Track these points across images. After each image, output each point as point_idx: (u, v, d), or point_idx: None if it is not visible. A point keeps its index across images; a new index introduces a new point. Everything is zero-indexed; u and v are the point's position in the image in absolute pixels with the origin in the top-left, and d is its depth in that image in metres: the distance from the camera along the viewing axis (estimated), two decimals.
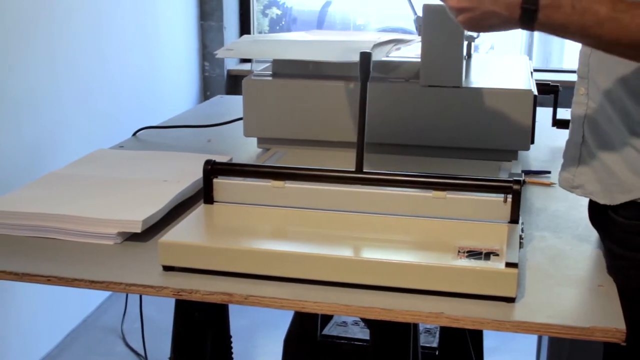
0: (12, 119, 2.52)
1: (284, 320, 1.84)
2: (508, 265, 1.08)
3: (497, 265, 1.09)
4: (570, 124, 1.28)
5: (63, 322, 2.95)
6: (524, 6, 1.06)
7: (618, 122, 1.18)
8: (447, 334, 1.90)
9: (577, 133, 1.26)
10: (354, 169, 1.31)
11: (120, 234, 1.30)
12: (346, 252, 1.16)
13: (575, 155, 1.26)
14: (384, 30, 3.87)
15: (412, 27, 2.04)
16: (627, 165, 1.17)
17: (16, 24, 2.51)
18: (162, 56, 3.61)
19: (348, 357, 1.92)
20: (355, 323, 2.00)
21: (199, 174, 1.39)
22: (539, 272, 1.19)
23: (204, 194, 1.34)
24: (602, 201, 1.22)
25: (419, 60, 1.71)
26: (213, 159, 1.35)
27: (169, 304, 1.42)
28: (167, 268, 1.18)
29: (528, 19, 1.07)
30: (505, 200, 1.24)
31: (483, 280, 1.08)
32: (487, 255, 1.12)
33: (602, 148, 1.21)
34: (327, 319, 1.95)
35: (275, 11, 4.35)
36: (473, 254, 1.13)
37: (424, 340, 1.97)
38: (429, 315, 1.07)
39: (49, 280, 1.19)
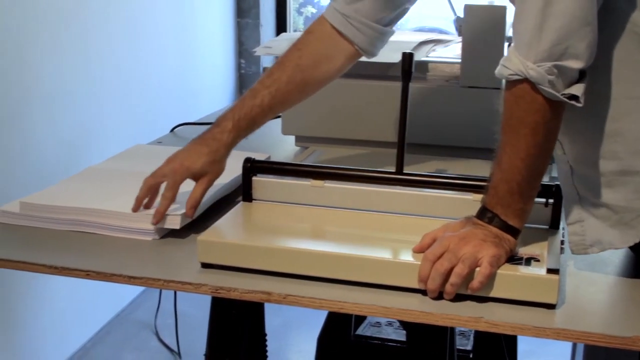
0: (49, 115, 2.53)
1: (316, 319, 1.83)
2: (549, 271, 1.07)
3: (538, 271, 1.08)
4: (562, 187, 1.22)
5: (97, 316, 2.96)
6: (493, 223, 1.12)
7: (605, 161, 1.14)
8: (482, 337, 1.89)
9: (572, 193, 1.20)
10: (393, 170, 1.30)
11: (159, 230, 1.30)
12: (385, 254, 1.16)
13: (578, 216, 1.19)
14: (420, 30, 3.85)
15: (447, 26, 2.03)
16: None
17: (52, 20, 2.53)
18: (198, 53, 3.62)
19: (382, 358, 1.91)
20: (389, 324, 1.99)
21: (236, 171, 1.39)
22: (579, 279, 1.18)
23: (243, 191, 1.34)
24: (622, 246, 1.16)
25: (459, 60, 1.70)
26: (252, 157, 1.34)
27: (202, 300, 1.41)
28: (206, 265, 1.18)
29: (505, 228, 1.12)
30: (546, 204, 1.22)
31: (524, 286, 1.07)
32: (528, 261, 1.11)
33: (604, 194, 1.15)
34: (360, 319, 1.95)
35: (310, 9, 4.34)
36: (513, 259, 1.11)
37: (458, 343, 1.96)
38: (469, 320, 1.06)
39: (87, 274, 1.19)
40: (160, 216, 1.29)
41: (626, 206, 1.14)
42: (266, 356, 1.67)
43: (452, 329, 1.41)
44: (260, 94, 1.39)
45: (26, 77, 2.42)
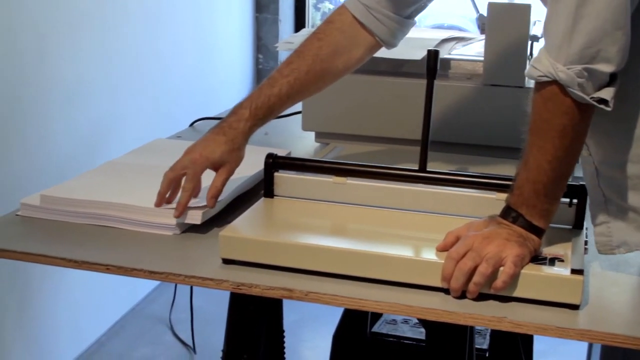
0: (68, 110, 2.53)
1: (331, 316, 1.83)
2: (574, 271, 1.06)
3: (562, 271, 1.07)
4: (588, 189, 1.20)
5: (112, 310, 2.97)
6: (518, 223, 1.11)
7: (632, 165, 1.12)
8: (498, 336, 1.88)
9: (597, 194, 1.18)
10: (416, 167, 1.29)
11: (180, 224, 1.30)
12: (408, 252, 1.15)
13: (604, 217, 1.18)
14: (439, 27, 3.83)
15: (465, 24, 2.02)
16: None
17: (71, 15, 2.53)
18: (217, 48, 3.62)
19: (397, 355, 1.90)
20: (405, 321, 1.99)
21: (257, 166, 1.38)
22: (603, 279, 1.17)
23: (265, 187, 1.34)
24: None
25: (482, 58, 1.69)
26: (274, 153, 1.34)
27: (218, 295, 1.40)
28: (227, 261, 1.18)
29: (529, 227, 1.12)
30: (570, 204, 1.22)
31: (548, 286, 1.06)
32: (552, 261, 1.10)
33: (630, 197, 1.14)
34: (376, 316, 1.94)
35: (327, 5, 4.34)
36: (537, 259, 1.11)
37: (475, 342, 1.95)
38: (492, 320, 1.05)
39: (107, 269, 1.19)
40: (182, 208, 1.28)
41: None
42: (284, 353, 1.67)
43: (472, 328, 1.40)
44: (279, 83, 1.39)
45: (46, 73, 2.42)
